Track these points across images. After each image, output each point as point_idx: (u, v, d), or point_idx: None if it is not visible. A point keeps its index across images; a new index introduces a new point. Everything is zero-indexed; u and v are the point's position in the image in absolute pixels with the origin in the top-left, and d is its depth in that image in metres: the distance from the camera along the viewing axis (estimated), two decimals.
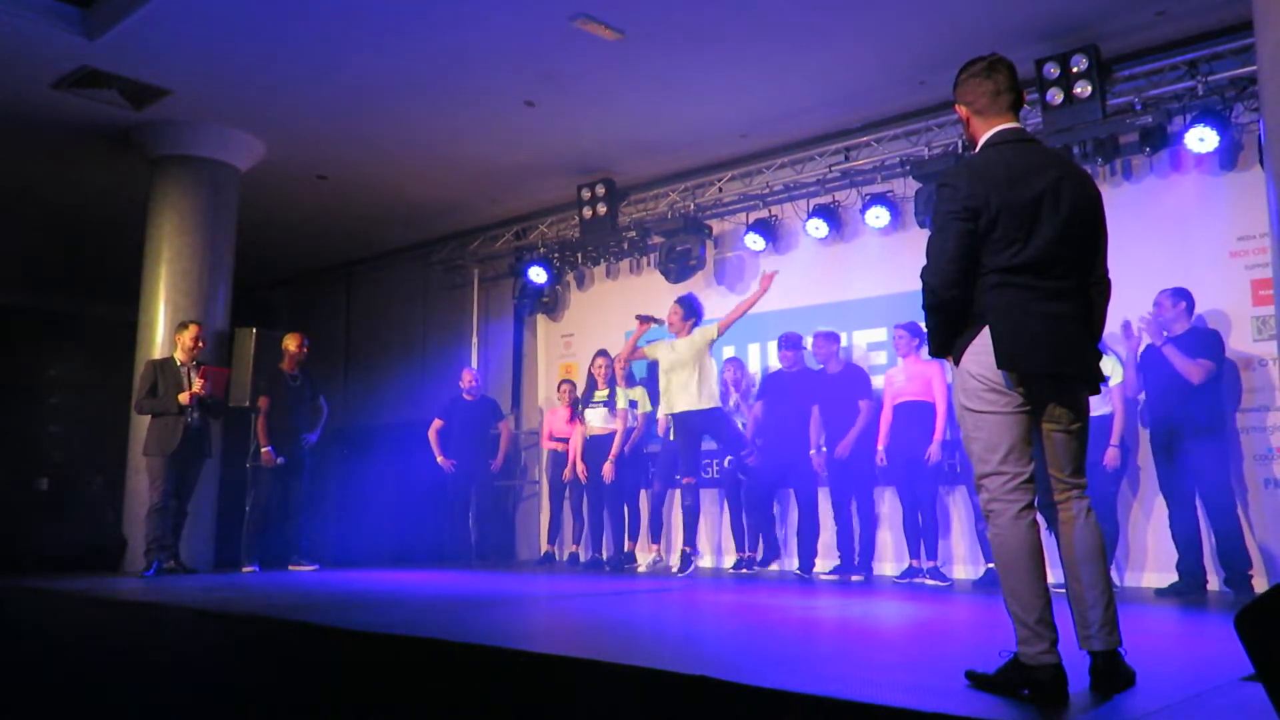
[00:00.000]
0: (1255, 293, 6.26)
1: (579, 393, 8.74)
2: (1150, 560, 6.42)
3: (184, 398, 7.20)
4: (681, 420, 7.08)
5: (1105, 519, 6.16)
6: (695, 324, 7.20)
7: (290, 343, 8.00)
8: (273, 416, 7.78)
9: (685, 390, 7.00)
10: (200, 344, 7.46)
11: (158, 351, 7.91)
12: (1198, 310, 6.15)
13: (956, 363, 2.80)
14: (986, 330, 2.70)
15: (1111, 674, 2.65)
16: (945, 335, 2.81)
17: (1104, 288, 2.88)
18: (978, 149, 2.90)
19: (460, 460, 8.88)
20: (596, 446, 8.34)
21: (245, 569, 7.63)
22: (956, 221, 2.72)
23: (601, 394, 8.36)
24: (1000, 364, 2.66)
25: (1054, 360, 2.70)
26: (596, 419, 8.33)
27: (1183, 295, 6.05)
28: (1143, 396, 6.22)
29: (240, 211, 8.73)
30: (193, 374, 7.33)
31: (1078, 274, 2.79)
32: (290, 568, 7.82)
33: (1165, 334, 5.99)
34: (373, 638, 3.72)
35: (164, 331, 8.10)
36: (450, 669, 3.36)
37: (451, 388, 9.34)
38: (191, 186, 8.37)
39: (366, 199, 9.93)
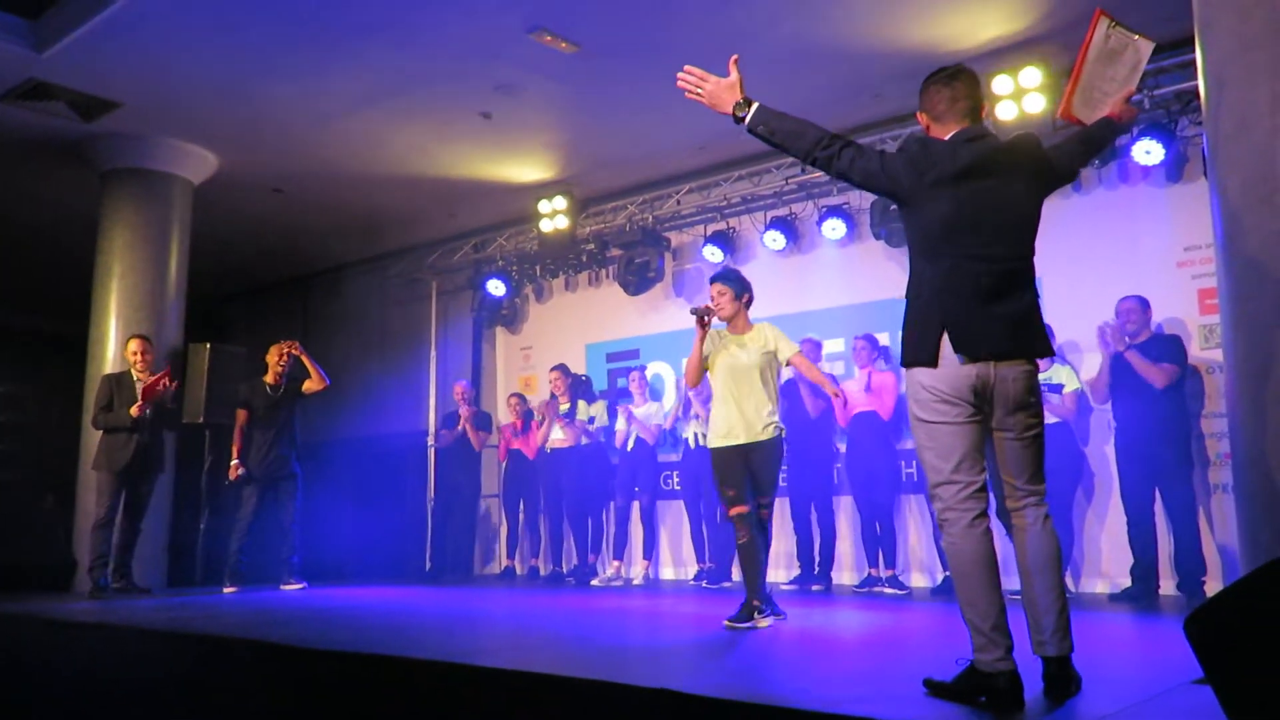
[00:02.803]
0: (1202, 302, 6.38)
1: (533, 405, 8.71)
2: (1104, 566, 6.51)
3: (134, 410, 7.03)
4: (741, 453, 4.77)
5: (1060, 525, 6.22)
6: (748, 303, 5.07)
7: (269, 354, 7.71)
8: (250, 431, 7.56)
9: (755, 408, 4.81)
10: (138, 356, 7.25)
11: (109, 368, 7.79)
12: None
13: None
14: (933, 314, 2.75)
15: (1064, 679, 2.69)
16: (786, 131, 2.89)
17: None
18: None
19: (449, 474, 8.95)
20: (558, 459, 8.32)
21: (285, 585, 7.43)
22: (897, 159, 2.83)
23: (562, 407, 8.35)
24: (956, 348, 2.71)
25: (1002, 341, 2.74)
26: (557, 433, 8.31)
27: (1146, 303, 6.14)
28: (1108, 405, 6.29)
29: (194, 225, 8.61)
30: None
31: (1022, 256, 2.84)
32: (225, 591, 7.32)
33: (1128, 340, 6.06)
34: (331, 656, 3.68)
35: (115, 347, 7.97)
36: (411, 686, 3.33)
37: (448, 402, 9.50)
38: (143, 200, 8.26)
39: (322, 212, 9.85)
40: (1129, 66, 3.07)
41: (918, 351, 2.78)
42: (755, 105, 2.92)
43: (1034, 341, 2.82)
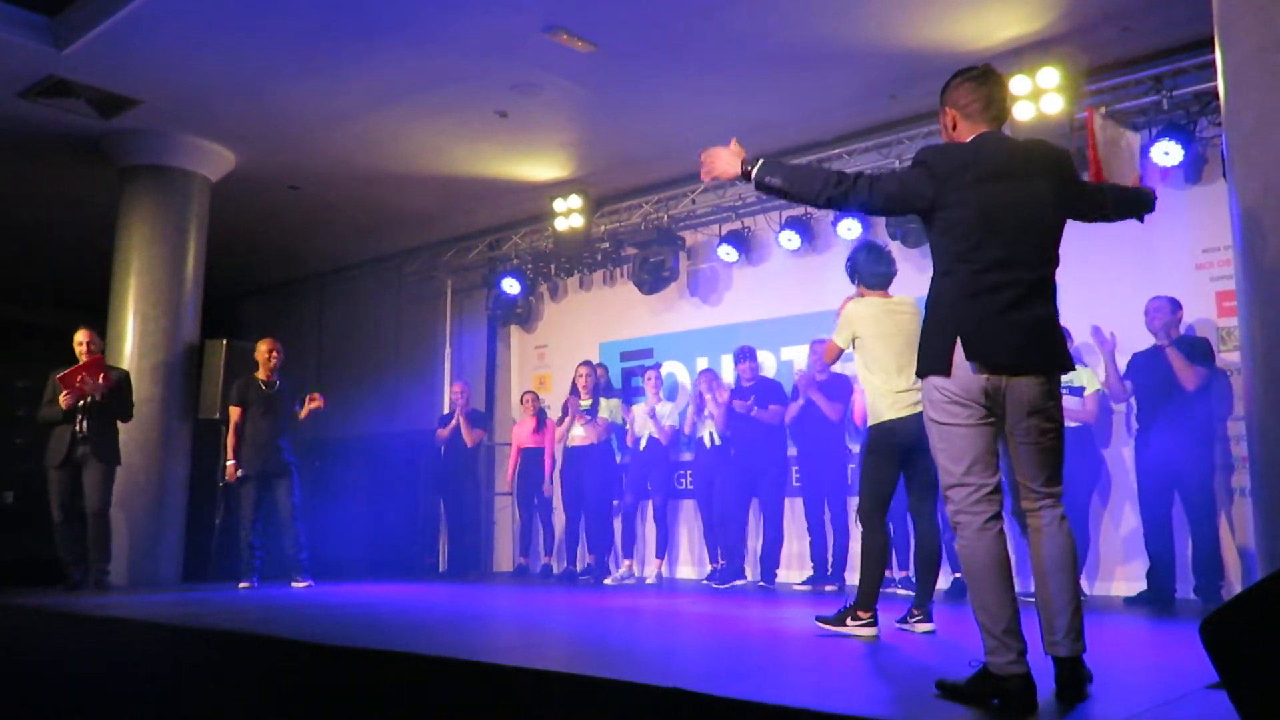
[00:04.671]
0: (1220, 304, 6.34)
1: (557, 401, 8.69)
2: (1119, 569, 6.48)
3: (62, 400, 6.88)
4: None
5: (1077, 528, 6.20)
6: (866, 285, 4.73)
7: (259, 350, 7.66)
8: (245, 428, 7.52)
9: None
10: (84, 346, 7.07)
11: (126, 363, 7.81)
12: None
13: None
14: (951, 324, 2.73)
15: (1076, 680, 2.68)
16: (798, 184, 2.88)
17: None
18: None
19: (448, 470, 8.95)
20: (578, 457, 8.31)
21: (295, 583, 7.39)
22: (915, 172, 2.81)
23: (584, 404, 8.32)
24: (968, 355, 2.69)
25: (1020, 353, 2.72)
26: (578, 430, 8.30)
27: (1177, 304, 6.08)
28: (1127, 404, 6.25)
29: (211, 222, 8.65)
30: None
31: (1049, 265, 2.81)
32: (240, 586, 7.35)
33: (1162, 339, 6.00)
34: (343, 652, 3.70)
35: (132, 343, 8.01)
36: (423, 683, 3.34)
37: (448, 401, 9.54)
38: (161, 196, 8.30)
39: (338, 210, 9.89)
40: (1128, 153, 3.14)
41: (933, 363, 2.76)
42: (761, 160, 2.94)
43: (1052, 355, 2.78)
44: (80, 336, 7.13)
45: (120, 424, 7.21)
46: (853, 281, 4.78)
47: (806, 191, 2.89)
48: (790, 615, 5.35)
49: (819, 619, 4.37)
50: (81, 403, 6.96)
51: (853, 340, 4.56)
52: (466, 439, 9.00)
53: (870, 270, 4.69)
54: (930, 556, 4.55)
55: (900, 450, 4.43)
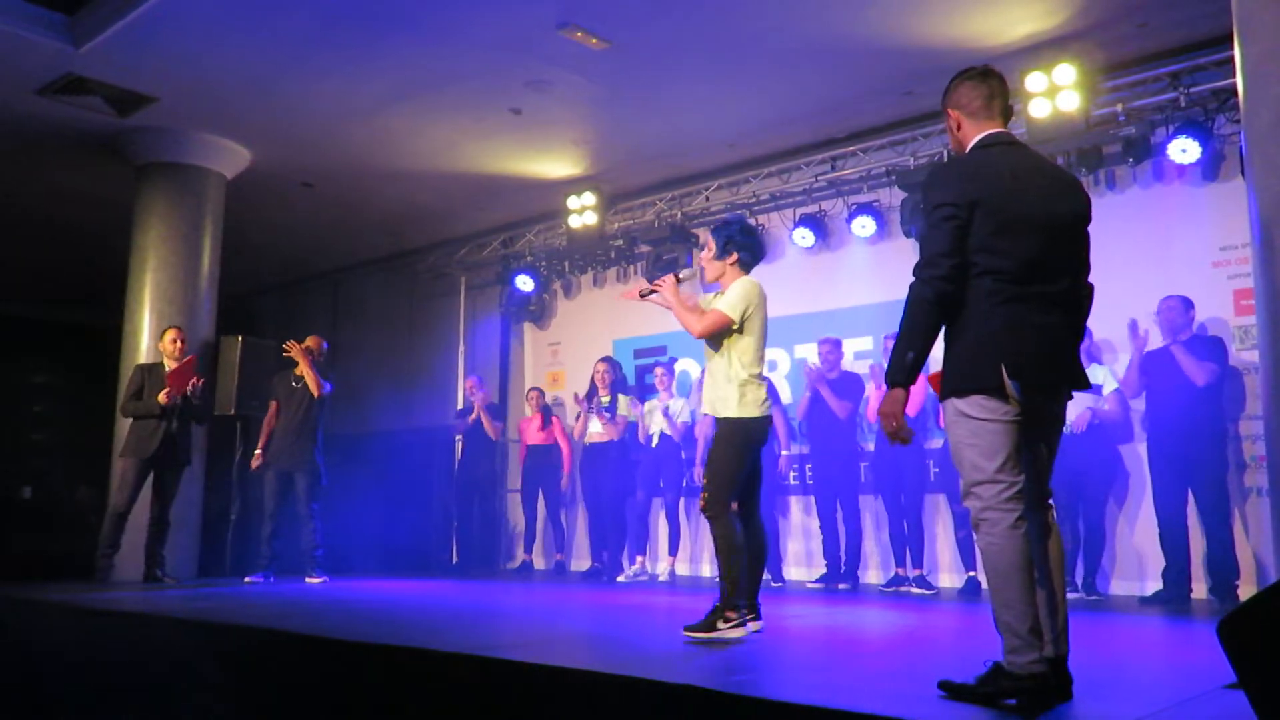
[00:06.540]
0: (1238, 302, 6.30)
1: (582, 396, 8.66)
2: (1135, 568, 6.45)
3: (162, 397, 7.04)
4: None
5: (1091, 526, 6.20)
6: (740, 264, 4.33)
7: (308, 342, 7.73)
8: (274, 421, 7.57)
9: (707, 380, 4.31)
10: (179, 345, 7.31)
11: (143, 359, 7.85)
12: None
13: (943, 371, 2.79)
14: (988, 338, 2.69)
15: (1067, 679, 2.67)
16: (930, 338, 2.75)
17: (1090, 292, 2.86)
18: (967, 152, 2.88)
19: (468, 466, 8.99)
20: (597, 454, 8.28)
21: (309, 579, 7.38)
22: (946, 215, 2.70)
23: (604, 400, 8.29)
24: (1010, 374, 2.63)
25: (1053, 371, 2.71)
26: (595, 427, 8.28)
27: (1189, 303, 6.08)
28: (1142, 401, 6.24)
29: (226, 219, 8.69)
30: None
31: (1068, 278, 2.76)
32: (246, 581, 7.41)
33: (1173, 336, 6.00)
34: (356, 647, 3.71)
35: (149, 339, 8.04)
36: (434, 679, 3.35)
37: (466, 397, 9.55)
38: (177, 194, 8.34)
39: (352, 207, 9.91)
40: None
41: (975, 380, 2.68)
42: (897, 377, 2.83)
43: (1078, 373, 2.79)
44: (173, 335, 7.38)
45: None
46: (722, 254, 4.28)
47: (913, 329, 2.79)
48: (802, 613, 5.34)
49: (687, 628, 3.96)
50: (176, 400, 7.14)
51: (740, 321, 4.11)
52: (489, 431, 9.01)
53: (755, 253, 4.32)
54: (763, 553, 4.23)
55: (754, 448, 4.12)
